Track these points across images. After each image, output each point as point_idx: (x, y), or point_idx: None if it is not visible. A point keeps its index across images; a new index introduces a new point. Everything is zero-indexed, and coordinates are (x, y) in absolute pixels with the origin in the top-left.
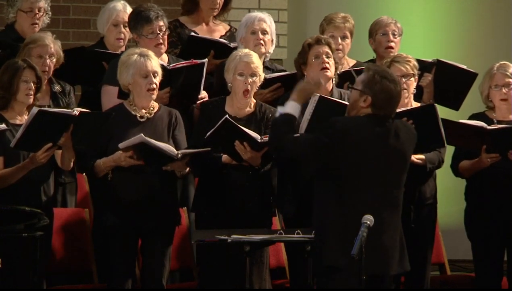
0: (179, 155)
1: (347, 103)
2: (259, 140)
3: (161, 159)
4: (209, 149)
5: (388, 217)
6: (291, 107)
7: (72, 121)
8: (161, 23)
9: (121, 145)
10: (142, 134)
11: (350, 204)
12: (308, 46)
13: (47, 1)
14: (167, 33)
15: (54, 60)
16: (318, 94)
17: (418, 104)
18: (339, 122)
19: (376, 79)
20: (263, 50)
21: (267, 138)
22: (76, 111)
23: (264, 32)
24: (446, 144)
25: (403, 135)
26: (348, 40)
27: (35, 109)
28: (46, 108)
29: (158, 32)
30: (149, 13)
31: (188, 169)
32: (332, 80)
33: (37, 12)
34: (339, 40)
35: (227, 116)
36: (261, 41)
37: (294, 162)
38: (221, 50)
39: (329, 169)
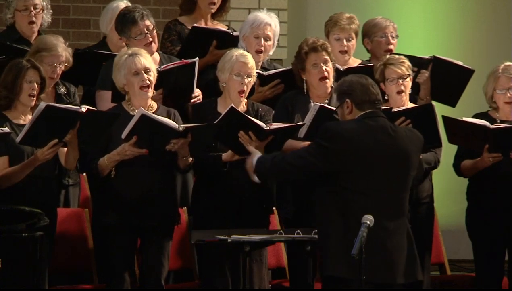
0: (181, 128)
1: None
2: (265, 128)
3: (163, 137)
4: (211, 123)
5: (394, 222)
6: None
7: (79, 118)
8: (148, 22)
9: (123, 133)
10: (141, 107)
11: (352, 213)
12: (305, 54)
13: None
14: (155, 30)
15: (63, 66)
16: (319, 104)
17: (414, 105)
18: (335, 125)
19: (342, 83)
20: (261, 57)
21: (272, 126)
22: (84, 108)
23: (267, 39)
24: (447, 143)
25: (404, 134)
26: (353, 41)
27: (42, 104)
28: (54, 104)
29: (146, 31)
30: (134, 14)
31: (191, 159)
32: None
33: (32, 9)
34: (345, 42)
35: (232, 105)
36: (262, 48)
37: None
38: (224, 40)
39: (330, 175)
